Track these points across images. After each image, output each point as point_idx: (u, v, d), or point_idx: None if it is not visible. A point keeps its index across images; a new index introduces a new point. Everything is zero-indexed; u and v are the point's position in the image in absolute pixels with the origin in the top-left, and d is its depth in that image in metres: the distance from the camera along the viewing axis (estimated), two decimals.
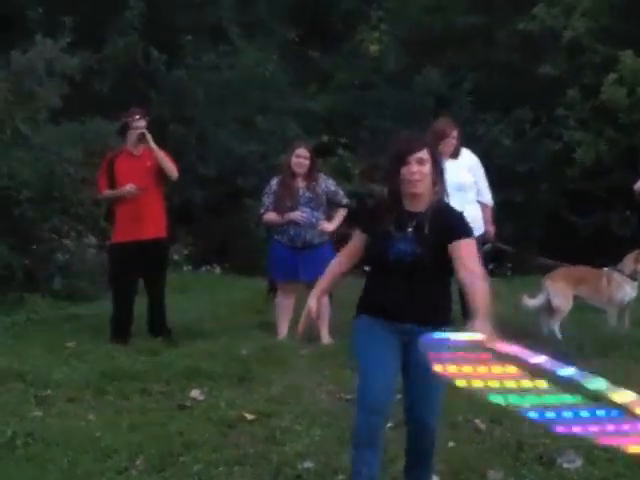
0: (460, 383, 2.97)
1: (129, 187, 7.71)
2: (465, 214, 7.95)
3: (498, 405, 2.89)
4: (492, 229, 8.03)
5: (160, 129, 12.71)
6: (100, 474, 4.76)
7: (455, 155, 7.94)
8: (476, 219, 7.83)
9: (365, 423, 4.09)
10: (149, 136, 7.79)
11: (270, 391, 6.17)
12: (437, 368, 3.07)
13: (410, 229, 4.01)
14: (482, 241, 7.90)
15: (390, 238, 4.00)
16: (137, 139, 7.78)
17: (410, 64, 15.54)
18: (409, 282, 3.98)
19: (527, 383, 3.03)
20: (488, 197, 8.03)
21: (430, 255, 3.95)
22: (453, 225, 4.05)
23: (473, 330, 3.50)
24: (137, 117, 7.84)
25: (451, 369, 3.06)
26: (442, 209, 4.09)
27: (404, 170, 3.97)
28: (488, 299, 3.87)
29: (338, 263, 4.29)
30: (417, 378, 4.07)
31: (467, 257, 3.92)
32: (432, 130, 7.97)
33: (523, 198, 13.25)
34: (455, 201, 7.72)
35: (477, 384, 2.99)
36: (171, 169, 7.84)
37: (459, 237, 3.97)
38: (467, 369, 3.05)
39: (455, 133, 7.83)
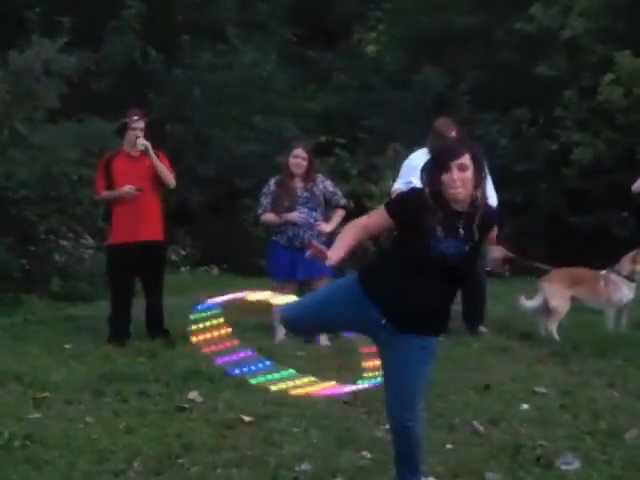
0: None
1: (127, 188, 7.70)
2: None
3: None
4: (493, 231, 7.95)
5: (158, 129, 12.72)
6: (97, 476, 4.74)
7: None
8: None
9: None
10: (151, 150, 7.79)
11: (268, 393, 6.15)
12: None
13: (460, 229, 4.02)
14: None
15: (434, 236, 3.99)
16: (138, 148, 7.76)
17: (408, 64, 15.54)
18: (437, 283, 4.00)
19: None
20: (492, 199, 7.96)
21: (473, 255, 4.06)
22: (492, 223, 4.25)
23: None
24: (136, 118, 7.83)
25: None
26: (484, 209, 4.10)
27: (445, 177, 3.97)
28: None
29: (363, 228, 4.24)
30: (392, 377, 4.11)
31: None
32: (432, 130, 7.97)
33: (521, 198, 13.24)
34: None
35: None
36: (169, 179, 7.84)
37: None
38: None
39: (454, 133, 7.82)
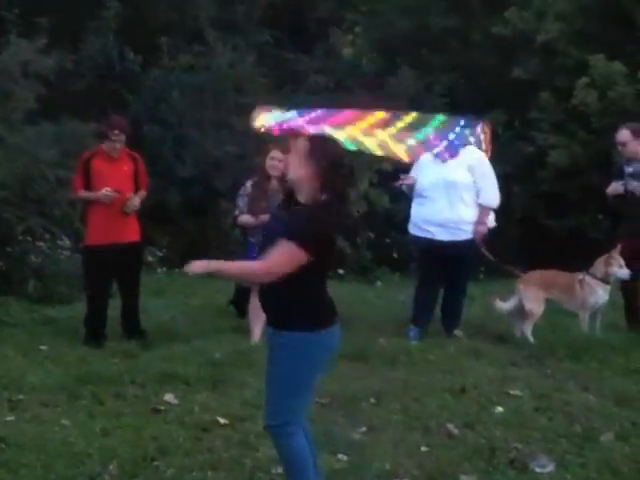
0: None
1: (105, 191, 7.66)
2: (454, 214, 7.99)
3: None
4: (481, 229, 7.86)
5: (136, 130, 12.65)
6: (73, 479, 4.72)
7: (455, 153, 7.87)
8: (466, 220, 7.78)
9: None
10: (135, 203, 7.81)
11: (244, 395, 6.14)
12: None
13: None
14: (472, 244, 7.88)
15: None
16: (127, 211, 7.76)
17: (384, 66, 15.56)
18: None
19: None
20: (487, 197, 7.87)
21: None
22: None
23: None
24: (116, 132, 7.76)
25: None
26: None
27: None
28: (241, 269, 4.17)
29: None
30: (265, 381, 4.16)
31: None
32: None
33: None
34: (443, 200, 7.82)
35: None
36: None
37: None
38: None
39: None
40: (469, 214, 7.80)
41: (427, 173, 7.86)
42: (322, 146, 4.01)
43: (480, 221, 7.85)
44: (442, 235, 7.76)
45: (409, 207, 8.21)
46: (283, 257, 3.86)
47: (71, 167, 8.96)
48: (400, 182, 8.08)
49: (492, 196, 7.89)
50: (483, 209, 7.88)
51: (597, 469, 4.72)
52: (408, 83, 14.79)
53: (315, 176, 3.94)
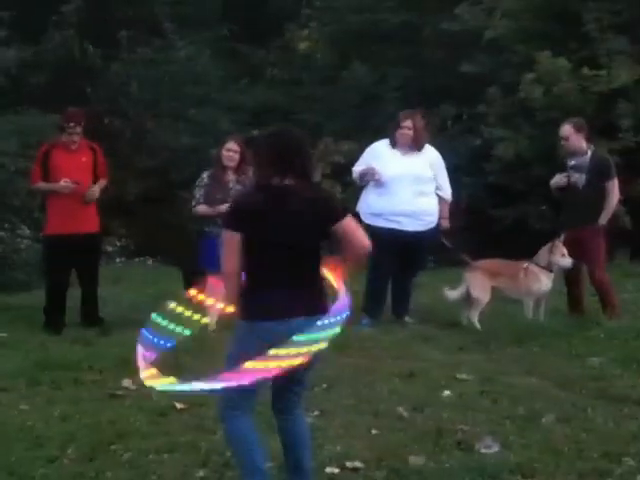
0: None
1: (63, 182, 7.58)
2: (418, 205, 8.06)
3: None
4: (445, 223, 8.16)
5: (96, 123, 12.52)
6: (32, 462, 4.68)
7: (416, 147, 7.93)
8: (429, 212, 7.93)
9: None
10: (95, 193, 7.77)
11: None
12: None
13: None
14: (434, 234, 8.00)
15: None
16: (87, 200, 7.71)
17: (338, 61, 15.56)
18: None
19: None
20: (447, 192, 8.14)
21: None
22: None
23: None
24: (71, 125, 7.68)
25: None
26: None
27: None
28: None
29: None
30: None
31: None
32: (396, 120, 8.08)
33: None
34: (408, 191, 7.86)
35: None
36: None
37: None
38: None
39: (408, 123, 7.88)
40: (431, 205, 7.98)
41: (391, 165, 7.87)
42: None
43: (444, 215, 8.13)
44: (409, 225, 7.82)
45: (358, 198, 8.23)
46: (226, 247, 3.91)
47: (30, 158, 8.88)
48: (371, 178, 7.96)
49: (449, 190, 8.16)
50: (444, 203, 8.13)
51: (539, 449, 4.77)
52: (361, 77, 14.80)
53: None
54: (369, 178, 7.95)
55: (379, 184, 7.91)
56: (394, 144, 7.97)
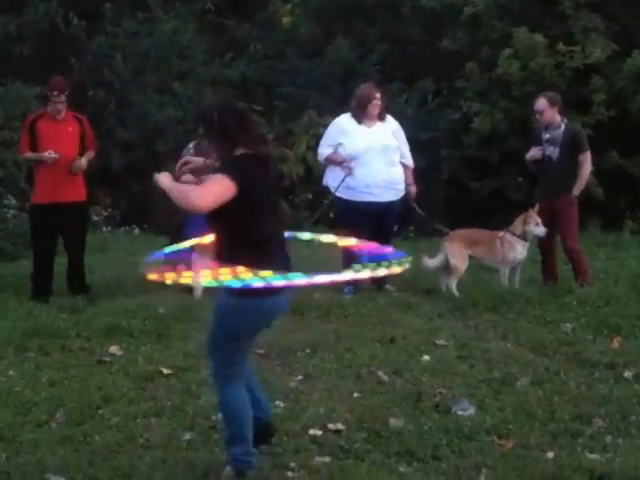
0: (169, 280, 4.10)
1: (48, 154, 7.53)
2: (390, 175, 8.06)
3: None
4: (414, 189, 8.23)
5: (80, 94, 12.41)
6: (21, 427, 4.70)
7: (382, 118, 7.97)
8: (399, 180, 7.98)
9: None
10: (82, 164, 7.70)
11: (186, 347, 6.14)
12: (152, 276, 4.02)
13: None
14: (402, 202, 8.05)
15: None
16: (74, 172, 7.64)
17: (321, 36, 15.47)
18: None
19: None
20: (410, 160, 8.21)
21: None
22: None
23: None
24: (55, 93, 7.61)
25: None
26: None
27: None
28: (180, 191, 4.04)
29: None
30: None
31: None
32: (357, 95, 7.99)
33: (425, 163, 13.35)
34: (380, 162, 7.85)
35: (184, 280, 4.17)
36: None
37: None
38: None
39: (379, 95, 7.90)
40: (399, 174, 8.02)
41: (359, 138, 7.85)
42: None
43: (410, 182, 8.18)
44: (382, 196, 7.82)
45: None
46: (214, 186, 3.91)
47: (15, 129, 8.79)
48: (346, 172, 7.85)
49: (411, 158, 8.23)
50: (408, 170, 8.18)
51: (514, 411, 4.83)
52: (344, 52, 14.73)
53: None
54: (345, 172, 7.86)
55: (351, 158, 7.84)
56: (360, 118, 7.91)
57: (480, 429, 4.57)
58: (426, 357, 5.90)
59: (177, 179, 7.96)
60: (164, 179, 4.08)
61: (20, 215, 10.09)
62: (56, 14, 13.67)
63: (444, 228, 8.32)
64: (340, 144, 7.90)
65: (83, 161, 7.71)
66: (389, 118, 8.15)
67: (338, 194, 7.94)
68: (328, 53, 14.90)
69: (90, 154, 7.85)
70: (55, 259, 7.86)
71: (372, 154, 7.80)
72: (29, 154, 7.75)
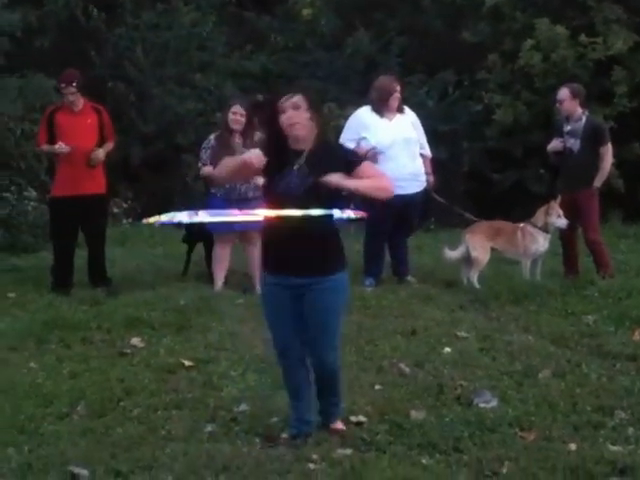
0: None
1: (58, 146, 7.55)
2: (414, 167, 8.04)
3: None
4: (432, 179, 8.25)
5: (100, 87, 12.45)
6: (42, 419, 4.71)
7: (400, 110, 7.96)
8: (422, 172, 8.00)
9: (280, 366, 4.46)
10: (99, 156, 7.70)
11: (207, 339, 6.15)
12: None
13: (299, 165, 4.17)
14: (425, 193, 8.13)
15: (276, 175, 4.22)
16: (91, 164, 7.66)
17: (341, 28, 15.42)
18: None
19: None
20: (428, 150, 8.24)
21: (322, 189, 4.06)
22: (345, 159, 4.24)
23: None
24: (63, 85, 7.65)
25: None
26: (328, 147, 4.35)
27: (282, 118, 4.13)
28: (375, 185, 4.18)
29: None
30: (311, 321, 4.22)
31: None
32: (377, 87, 7.96)
33: (446, 156, 13.31)
34: (405, 156, 7.84)
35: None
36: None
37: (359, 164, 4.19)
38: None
39: (399, 88, 7.90)
40: (421, 165, 8.08)
41: (382, 133, 7.81)
42: (314, 98, 4.28)
43: (428, 171, 8.20)
44: (409, 188, 7.79)
45: None
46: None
47: (35, 121, 8.84)
48: (370, 152, 7.85)
49: (429, 149, 8.26)
50: (427, 160, 8.20)
51: (535, 403, 4.80)
52: (364, 44, 14.69)
53: (317, 124, 4.18)
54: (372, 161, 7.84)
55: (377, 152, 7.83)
56: (381, 111, 7.88)
57: (502, 421, 4.54)
58: (447, 349, 5.88)
59: (198, 171, 8.03)
60: (344, 181, 4.05)
61: (40, 207, 10.14)
62: (76, 6, 13.69)
63: (470, 216, 8.30)
64: (363, 138, 7.85)
65: (101, 152, 7.72)
66: (407, 110, 8.13)
67: None
68: (348, 45, 14.86)
69: (109, 145, 7.86)
70: (76, 251, 7.89)
71: (396, 148, 7.78)
72: (45, 146, 7.78)
